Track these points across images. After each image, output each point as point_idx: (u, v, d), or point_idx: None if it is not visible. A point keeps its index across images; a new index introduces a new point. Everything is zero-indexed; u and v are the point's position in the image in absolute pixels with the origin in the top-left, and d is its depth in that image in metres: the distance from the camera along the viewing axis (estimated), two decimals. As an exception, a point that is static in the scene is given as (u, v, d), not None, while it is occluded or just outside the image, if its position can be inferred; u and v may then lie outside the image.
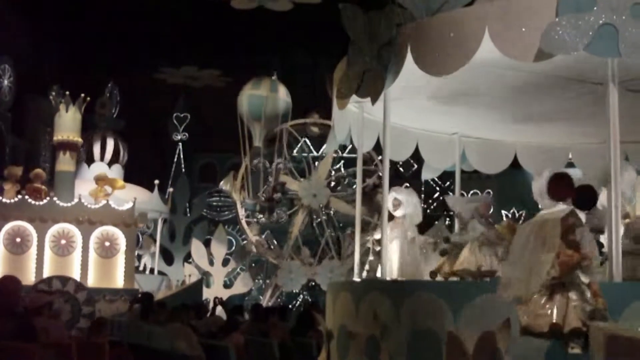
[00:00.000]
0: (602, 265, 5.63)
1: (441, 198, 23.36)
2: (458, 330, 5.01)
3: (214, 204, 25.84)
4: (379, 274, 7.14)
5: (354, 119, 7.87)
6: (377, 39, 6.29)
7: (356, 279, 7.28)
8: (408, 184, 24.88)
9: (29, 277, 14.56)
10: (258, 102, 19.71)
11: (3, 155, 21.00)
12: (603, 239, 6.10)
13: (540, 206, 5.67)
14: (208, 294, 19.06)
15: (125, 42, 23.14)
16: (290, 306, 19.87)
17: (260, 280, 21.25)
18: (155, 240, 20.90)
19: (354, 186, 18.39)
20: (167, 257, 22.07)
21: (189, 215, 23.41)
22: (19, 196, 15.11)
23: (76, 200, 15.47)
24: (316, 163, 20.33)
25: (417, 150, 9.34)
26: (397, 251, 7.67)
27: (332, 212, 20.33)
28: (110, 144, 21.01)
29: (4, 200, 14.93)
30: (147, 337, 7.45)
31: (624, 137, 9.16)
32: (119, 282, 15.53)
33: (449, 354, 4.05)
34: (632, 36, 5.10)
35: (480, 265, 6.77)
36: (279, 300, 20.29)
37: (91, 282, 15.16)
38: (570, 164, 10.72)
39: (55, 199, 15.25)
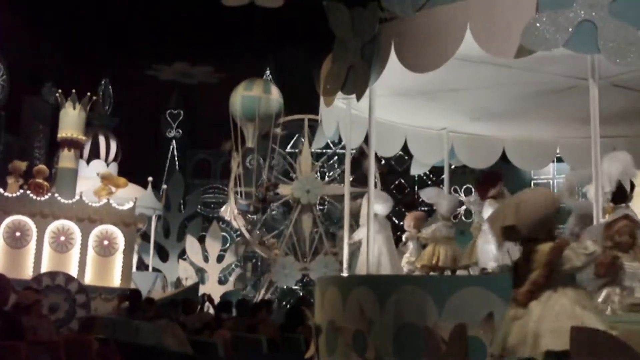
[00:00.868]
0: None
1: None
2: (440, 323, 5.09)
3: (208, 200, 25.88)
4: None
5: (342, 115, 7.92)
6: (361, 36, 6.35)
7: (344, 273, 7.35)
8: (402, 179, 25.15)
9: (27, 272, 14.66)
10: (252, 103, 19.76)
11: (-4, 153, 21.07)
12: None
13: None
14: (203, 290, 19.09)
15: (117, 39, 23.13)
16: (285, 302, 19.93)
17: (255, 276, 21.33)
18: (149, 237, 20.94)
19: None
20: (162, 253, 22.10)
21: (183, 211, 23.44)
22: (21, 191, 15.17)
23: (77, 197, 15.54)
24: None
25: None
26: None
27: (325, 208, 20.43)
28: (102, 141, 21.04)
29: (5, 194, 14.99)
30: (135, 334, 7.49)
31: (612, 131, 9.32)
32: (115, 281, 15.56)
33: (427, 347, 4.10)
34: (610, 33, 5.16)
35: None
36: (273, 296, 20.37)
37: (88, 279, 15.20)
38: (559, 159, 10.84)
39: (56, 195, 15.31)
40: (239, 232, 20.82)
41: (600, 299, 4.66)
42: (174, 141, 28.20)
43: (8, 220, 14.88)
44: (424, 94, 7.84)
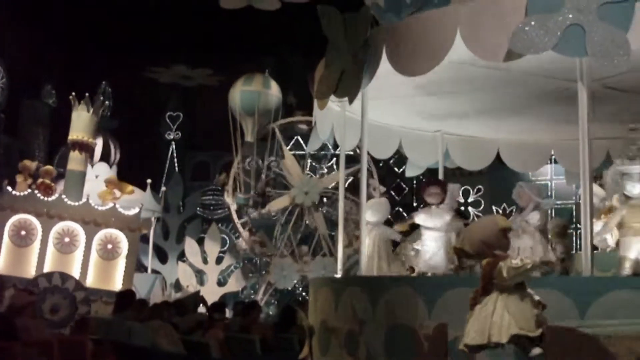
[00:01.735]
0: None
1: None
2: (430, 324, 5.15)
3: (208, 202, 25.90)
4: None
5: (337, 118, 7.99)
6: (353, 40, 6.41)
7: (337, 275, 7.42)
8: (400, 180, 25.18)
9: (30, 271, 14.76)
10: (251, 98, 19.79)
11: (-4, 156, 21.13)
12: None
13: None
14: (202, 292, 19.12)
15: (117, 42, 23.20)
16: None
17: (254, 278, 21.34)
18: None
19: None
20: (161, 255, 22.14)
21: (182, 213, 23.47)
22: (29, 190, 15.28)
23: (84, 200, 15.64)
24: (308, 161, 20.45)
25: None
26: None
27: (324, 210, 20.43)
28: (101, 144, 21.08)
29: (14, 192, 15.09)
30: (128, 334, 7.54)
31: (606, 133, 9.37)
32: (117, 285, 15.59)
33: (408, 347, 4.19)
34: (598, 36, 5.22)
35: None
36: (272, 297, 20.40)
37: (90, 282, 15.26)
38: (555, 161, 10.90)
39: (63, 196, 15.40)
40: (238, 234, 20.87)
41: None
42: (173, 143, 28.26)
43: (14, 218, 14.97)
44: (417, 97, 7.91)
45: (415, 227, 8.19)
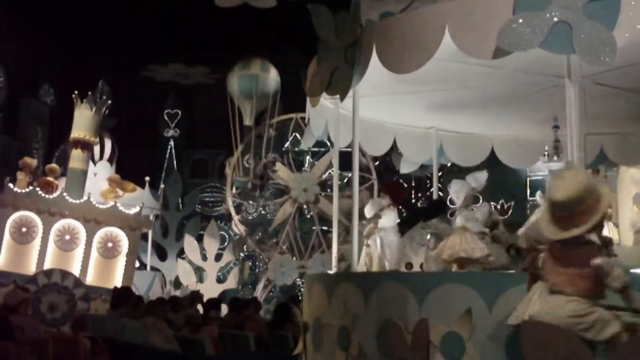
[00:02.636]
0: None
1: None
2: (423, 319, 5.21)
3: (206, 199, 25.98)
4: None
5: (330, 115, 8.03)
6: (344, 38, 6.47)
7: (331, 271, 7.47)
8: (398, 177, 25.18)
9: (30, 268, 14.88)
10: (249, 81, 19.85)
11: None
12: None
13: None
14: (201, 289, 19.17)
15: (114, 41, 23.24)
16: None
17: (253, 275, 21.38)
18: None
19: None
20: (160, 253, 22.21)
21: (181, 211, 23.52)
22: (30, 187, 15.36)
23: (85, 198, 15.71)
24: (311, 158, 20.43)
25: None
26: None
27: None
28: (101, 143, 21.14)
29: (15, 189, 15.17)
30: (122, 331, 7.58)
31: (598, 129, 9.41)
32: (117, 283, 15.67)
33: (392, 342, 4.23)
34: (584, 33, 5.27)
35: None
36: (271, 294, 20.43)
37: (90, 280, 15.35)
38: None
39: (65, 194, 15.48)
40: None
41: None
42: (171, 141, 28.33)
43: (15, 215, 15.08)
44: (410, 93, 7.95)
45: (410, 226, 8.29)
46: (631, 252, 7.33)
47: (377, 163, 20.21)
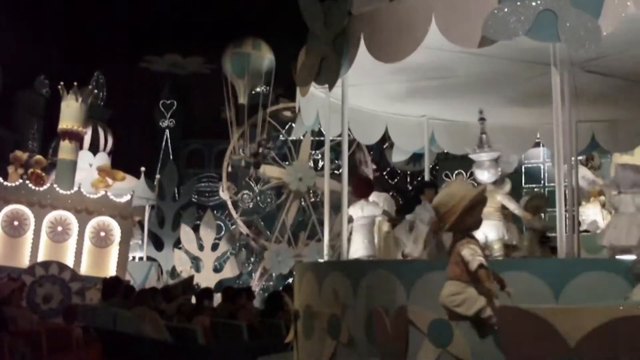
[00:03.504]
0: None
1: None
2: (409, 306, 5.25)
3: (202, 189, 26.01)
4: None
5: (321, 104, 8.04)
6: (332, 28, 6.48)
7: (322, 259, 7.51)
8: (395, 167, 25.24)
9: (24, 260, 14.94)
10: (241, 60, 19.89)
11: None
12: None
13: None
14: (198, 279, 19.25)
15: (110, 32, 23.22)
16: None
17: (250, 265, 21.48)
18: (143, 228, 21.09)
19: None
20: (157, 243, 22.27)
21: (177, 201, 23.57)
22: (21, 180, 15.38)
23: (76, 188, 15.72)
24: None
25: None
26: None
27: (319, 194, 20.51)
28: (95, 132, 21.14)
29: (5, 183, 15.19)
30: (113, 321, 7.63)
31: (589, 116, 9.43)
32: (111, 272, 15.75)
33: (375, 330, 4.28)
34: (570, 22, 5.29)
35: None
36: (270, 283, 20.52)
37: (84, 270, 15.42)
38: (539, 144, 10.97)
39: (55, 186, 15.50)
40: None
41: None
42: (167, 131, 28.31)
43: (7, 209, 15.12)
44: (401, 82, 7.97)
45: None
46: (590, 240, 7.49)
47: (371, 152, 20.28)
